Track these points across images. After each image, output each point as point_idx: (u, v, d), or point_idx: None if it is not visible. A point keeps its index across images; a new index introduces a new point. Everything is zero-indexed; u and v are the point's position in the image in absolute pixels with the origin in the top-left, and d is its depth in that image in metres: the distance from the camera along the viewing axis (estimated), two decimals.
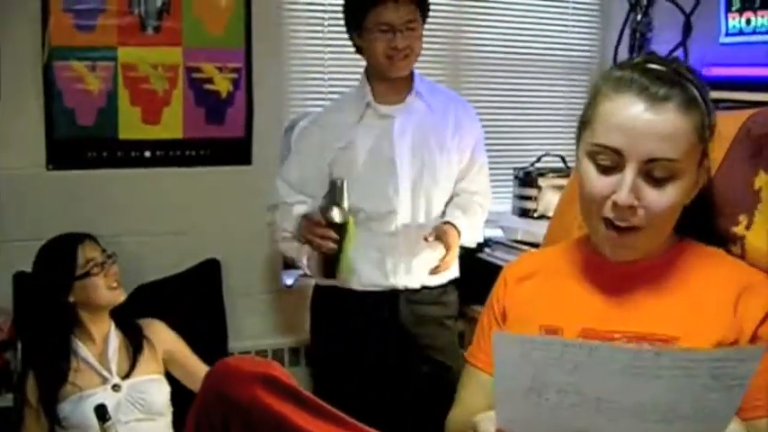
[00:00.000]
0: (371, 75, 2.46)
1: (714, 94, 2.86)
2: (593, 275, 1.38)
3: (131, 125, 2.80)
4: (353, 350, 2.49)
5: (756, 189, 1.38)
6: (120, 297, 2.34)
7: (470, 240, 2.56)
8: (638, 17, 3.12)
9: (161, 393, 2.32)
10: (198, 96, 2.87)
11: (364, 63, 2.49)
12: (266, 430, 1.35)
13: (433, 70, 3.19)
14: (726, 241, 1.40)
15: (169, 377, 2.39)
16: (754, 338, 1.23)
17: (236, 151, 2.93)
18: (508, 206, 3.30)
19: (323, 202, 2.32)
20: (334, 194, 2.26)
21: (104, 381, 2.25)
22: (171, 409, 2.34)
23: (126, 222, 2.79)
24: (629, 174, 1.22)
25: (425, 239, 2.39)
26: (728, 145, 1.45)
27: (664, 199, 1.24)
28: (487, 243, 2.99)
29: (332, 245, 2.26)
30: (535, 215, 3.13)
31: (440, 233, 2.41)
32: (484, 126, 2.66)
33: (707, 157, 1.31)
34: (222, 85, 2.89)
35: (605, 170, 1.26)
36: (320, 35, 3.08)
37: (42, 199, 2.70)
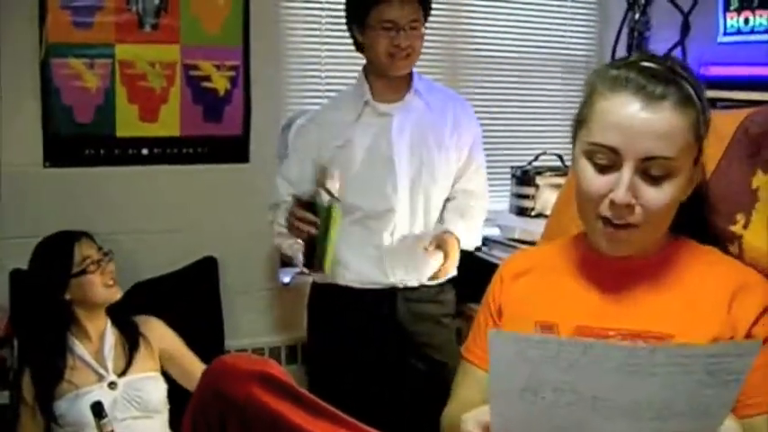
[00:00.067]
0: (370, 73, 2.46)
1: (712, 94, 2.86)
2: (590, 272, 1.39)
3: (129, 123, 2.79)
4: (350, 348, 2.49)
5: (754, 188, 1.38)
6: (117, 295, 2.34)
7: (469, 244, 2.56)
8: (637, 16, 3.12)
9: (157, 391, 2.32)
10: (195, 94, 2.86)
11: (362, 61, 2.48)
12: (263, 428, 1.35)
13: (431, 69, 3.18)
14: (723, 240, 1.40)
15: (165, 375, 2.39)
16: (747, 338, 1.23)
17: (234, 149, 2.93)
18: (505, 205, 3.30)
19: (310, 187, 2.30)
20: (320, 178, 2.24)
21: (101, 378, 2.25)
22: (168, 407, 2.34)
23: (123, 220, 2.78)
24: (627, 172, 1.22)
25: (425, 249, 2.40)
26: (726, 144, 1.45)
27: (661, 197, 1.24)
28: (485, 242, 2.99)
29: (311, 228, 2.22)
30: (532, 214, 3.13)
31: (439, 242, 2.42)
32: (482, 125, 2.66)
33: (702, 154, 1.31)
34: (220, 82, 2.89)
35: (602, 169, 1.26)
36: (317, 33, 3.08)
37: (39, 196, 2.69)
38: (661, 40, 3.07)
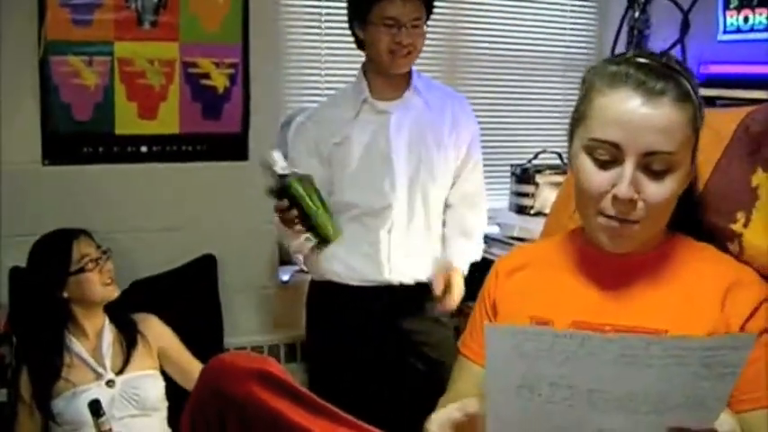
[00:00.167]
0: (369, 70, 2.46)
1: (712, 92, 2.88)
2: (587, 268, 1.39)
3: (128, 120, 2.79)
4: (348, 345, 2.49)
5: (754, 187, 1.38)
6: (114, 293, 2.34)
7: (473, 260, 2.56)
8: (636, 14, 3.12)
9: (155, 389, 2.32)
10: (194, 92, 2.86)
11: (361, 59, 2.48)
12: (262, 426, 1.35)
13: (430, 67, 3.18)
14: (723, 239, 1.40)
15: (163, 372, 2.39)
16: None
17: (233, 147, 2.92)
18: (505, 203, 3.31)
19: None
20: (266, 166, 2.14)
21: (98, 376, 2.25)
22: (166, 405, 2.34)
23: (122, 218, 2.78)
24: (629, 167, 1.23)
25: (435, 295, 2.40)
26: (726, 143, 1.45)
27: (662, 191, 1.25)
28: (484, 240, 2.98)
29: (292, 213, 2.16)
30: (532, 212, 3.14)
31: (447, 284, 2.41)
32: (481, 123, 2.66)
33: (697, 148, 1.32)
34: (219, 80, 2.89)
35: (603, 165, 1.26)
36: (317, 31, 3.08)
37: (38, 194, 2.69)
38: (661, 38, 3.08)
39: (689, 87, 1.26)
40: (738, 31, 2.96)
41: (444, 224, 2.56)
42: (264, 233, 2.88)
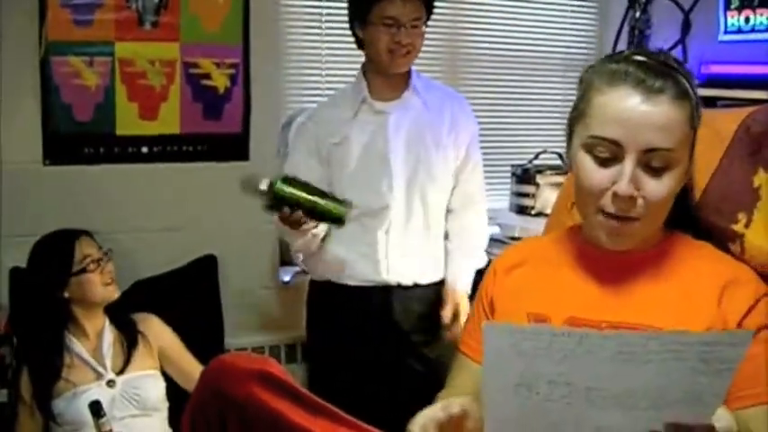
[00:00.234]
0: (369, 70, 2.46)
1: (713, 92, 2.88)
2: (584, 265, 1.39)
3: (128, 121, 2.79)
4: (346, 345, 2.49)
5: (756, 187, 1.38)
6: (115, 294, 2.34)
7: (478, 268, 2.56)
8: (637, 14, 3.11)
9: (156, 389, 2.32)
10: (195, 92, 2.86)
11: (362, 59, 2.48)
12: (262, 427, 1.35)
13: (430, 67, 3.18)
14: (725, 239, 1.40)
15: (164, 372, 2.38)
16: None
17: (234, 147, 2.93)
18: (506, 203, 3.30)
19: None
20: (247, 187, 2.14)
21: (99, 377, 2.25)
22: (166, 405, 2.34)
23: (123, 218, 2.78)
24: (629, 164, 1.24)
25: (445, 323, 2.42)
26: (727, 143, 1.45)
27: (661, 188, 1.25)
28: None
29: (297, 215, 2.15)
30: (533, 212, 3.13)
31: (455, 311, 2.43)
32: (482, 123, 2.66)
33: (695, 146, 1.32)
34: (220, 80, 2.89)
35: (603, 162, 1.27)
36: (318, 31, 3.08)
37: (39, 194, 2.69)
38: (662, 38, 3.07)
39: (687, 85, 1.27)
40: (739, 31, 2.96)
41: (447, 235, 2.56)
42: (265, 233, 2.88)
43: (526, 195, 3.17)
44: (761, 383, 1.22)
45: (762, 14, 2.87)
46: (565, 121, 1.39)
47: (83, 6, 2.68)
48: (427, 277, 2.51)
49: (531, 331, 1.06)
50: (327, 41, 3.07)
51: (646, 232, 1.31)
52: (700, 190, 1.47)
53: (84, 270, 2.27)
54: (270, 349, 3.01)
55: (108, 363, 2.28)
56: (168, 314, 2.48)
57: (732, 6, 2.98)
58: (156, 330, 2.42)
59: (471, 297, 2.42)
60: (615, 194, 1.25)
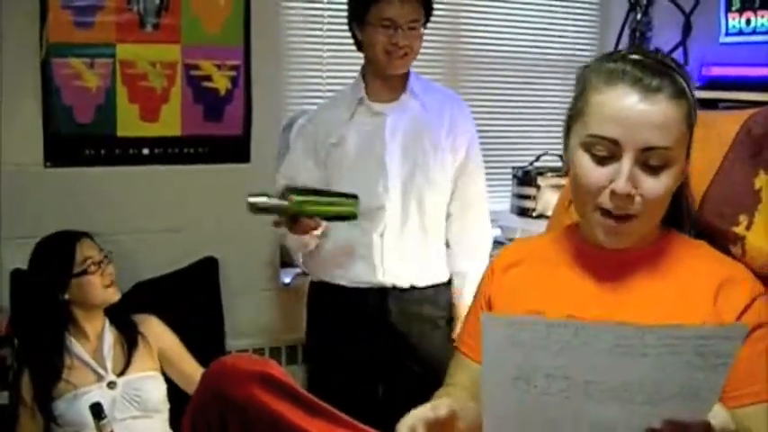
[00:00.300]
0: (367, 72, 2.46)
1: (714, 94, 2.87)
2: (582, 263, 1.40)
3: (129, 122, 2.79)
4: (344, 346, 2.49)
5: (757, 189, 1.38)
6: (115, 296, 2.34)
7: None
8: (638, 16, 3.12)
9: (157, 390, 2.32)
10: (196, 94, 2.86)
11: (363, 61, 2.48)
12: (263, 428, 1.35)
13: (431, 69, 3.19)
14: (726, 241, 1.41)
15: (165, 375, 2.38)
16: None
17: (235, 149, 2.92)
18: (507, 205, 3.30)
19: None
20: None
21: (99, 378, 2.25)
22: (167, 406, 2.34)
23: (124, 220, 2.78)
24: (627, 163, 1.24)
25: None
26: (729, 145, 1.45)
27: (659, 186, 1.26)
28: None
29: (319, 225, 2.23)
30: (534, 214, 3.13)
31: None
32: (482, 125, 2.66)
33: (691, 145, 1.33)
34: (221, 82, 2.89)
35: (601, 160, 1.27)
36: (319, 33, 3.08)
37: (40, 196, 2.69)
38: (663, 40, 3.07)
39: (684, 84, 1.28)
40: (740, 33, 2.96)
41: (448, 243, 2.55)
42: (266, 235, 2.87)
43: (527, 197, 3.17)
44: (757, 382, 1.23)
45: (763, 16, 2.88)
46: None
47: (84, 8, 2.68)
48: (424, 280, 2.50)
49: (529, 322, 1.07)
50: (329, 43, 3.07)
51: (643, 230, 1.31)
52: (701, 192, 1.47)
53: (84, 272, 2.27)
54: (270, 351, 3.01)
55: (108, 364, 2.28)
56: (169, 316, 2.48)
57: (733, 8, 2.98)
58: (157, 332, 2.42)
59: None
60: (613, 192, 1.26)
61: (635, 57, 1.29)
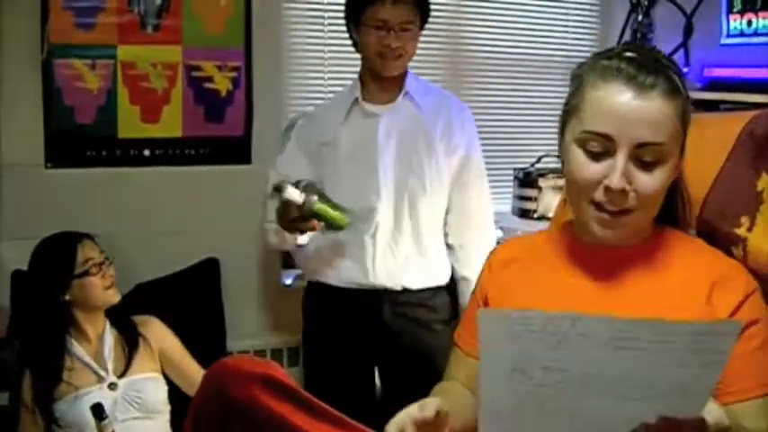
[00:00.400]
0: (364, 73, 2.46)
1: (715, 96, 2.87)
2: (577, 260, 1.41)
3: (130, 124, 2.79)
4: (340, 347, 2.49)
5: (759, 191, 1.38)
6: (116, 298, 2.34)
7: None
8: (639, 18, 3.11)
9: (158, 391, 2.31)
10: (197, 95, 2.86)
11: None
12: (265, 430, 1.35)
13: (432, 71, 3.19)
14: (728, 243, 1.41)
15: (165, 376, 2.38)
16: None
17: (236, 150, 2.93)
18: (508, 206, 3.30)
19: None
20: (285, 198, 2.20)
21: (100, 379, 2.25)
22: (168, 407, 2.33)
23: (125, 221, 2.78)
24: (621, 158, 1.26)
25: None
26: (731, 147, 1.45)
27: (652, 182, 1.27)
28: None
29: (317, 227, 2.24)
30: (535, 216, 3.13)
31: None
32: (484, 127, 2.65)
33: (685, 142, 1.34)
34: (222, 83, 2.89)
35: (595, 156, 1.29)
36: (320, 34, 3.08)
37: (40, 197, 2.69)
38: (664, 42, 3.07)
39: (678, 81, 1.29)
40: (742, 34, 2.95)
41: (451, 246, 2.56)
42: None
43: (528, 199, 3.17)
44: (751, 378, 1.24)
45: (764, 17, 2.87)
46: None
47: (85, 9, 2.68)
48: (419, 282, 2.48)
49: (525, 315, 1.07)
50: (330, 44, 3.07)
51: (638, 224, 1.32)
52: (702, 194, 1.47)
53: (85, 273, 2.27)
54: (272, 352, 3.01)
55: (109, 366, 2.27)
56: (170, 317, 2.48)
57: (734, 9, 2.97)
58: (158, 333, 2.41)
59: None
60: (607, 188, 1.27)
61: (630, 54, 1.30)
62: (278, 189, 2.18)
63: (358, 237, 2.43)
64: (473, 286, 2.42)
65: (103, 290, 2.30)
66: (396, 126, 2.43)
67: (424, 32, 2.44)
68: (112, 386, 2.25)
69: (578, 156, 1.31)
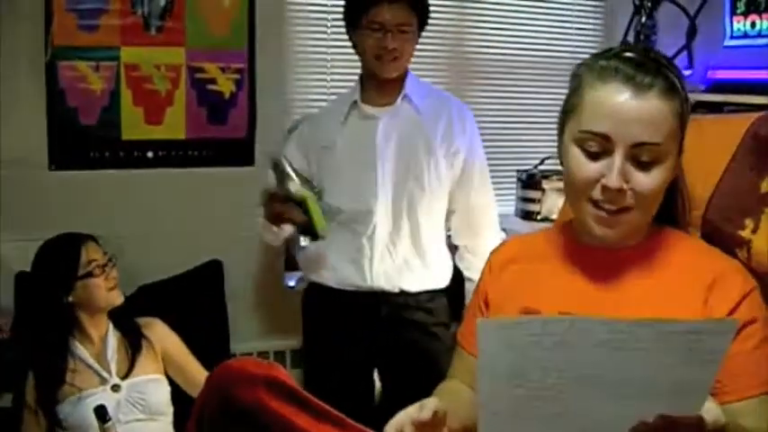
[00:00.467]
0: (364, 75, 2.46)
1: (719, 98, 2.86)
2: (575, 261, 1.41)
3: (134, 125, 2.79)
4: (338, 347, 2.49)
5: (763, 193, 1.38)
6: (119, 299, 2.34)
7: None
8: (643, 20, 3.11)
9: (161, 393, 2.31)
10: (201, 97, 2.86)
11: None
12: None
13: (436, 73, 3.18)
14: (732, 245, 1.40)
15: (168, 377, 2.38)
16: None
17: (239, 152, 2.93)
18: (511, 208, 3.30)
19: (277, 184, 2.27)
20: (281, 175, 2.23)
21: (103, 381, 2.25)
22: (171, 409, 2.33)
23: (128, 223, 2.78)
24: (618, 158, 1.26)
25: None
26: (735, 149, 1.45)
27: (649, 181, 1.27)
28: None
29: (298, 217, 2.25)
30: (538, 218, 3.13)
31: None
32: (488, 128, 2.65)
33: (684, 142, 1.34)
34: (225, 85, 2.89)
35: (593, 155, 1.29)
36: (323, 36, 3.08)
37: (44, 199, 2.69)
38: (667, 44, 3.06)
39: (676, 81, 1.29)
40: (745, 36, 2.95)
41: (456, 248, 2.56)
42: None
43: (532, 200, 3.17)
44: (748, 377, 1.24)
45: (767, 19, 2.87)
46: None
47: (88, 11, 2.68)
48: (417, 285, 2.48)
49: (523, 322, 1.07)
50: (333, 46, 3.07)
51: (636, 222, 1.32)
52: (706, 196, 1.47)
53: (89, 275, 2.27)
54: (275, 354, 3.01)
55: (113, 367, 2.27)
56: (173, 318, 2.48)
57: (738, 11, 2.97)
58: (161, 335, 2.41)
59: None
60: (605, 187, 1.27)
61: (628, 54, 1.31)
62: (276, 166, 2.20)
63: (356, 238, 2.43)
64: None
65: (106, 291, 2.30)
66: (395, 128, 2.43)
67: (427, 35, 2.44)
68: (115, 388, 2.25)
69: (576, 155, 1.31)
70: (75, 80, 2.70)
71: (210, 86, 2.87)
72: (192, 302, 2.76)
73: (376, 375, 2.63)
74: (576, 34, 3.55)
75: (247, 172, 2.92)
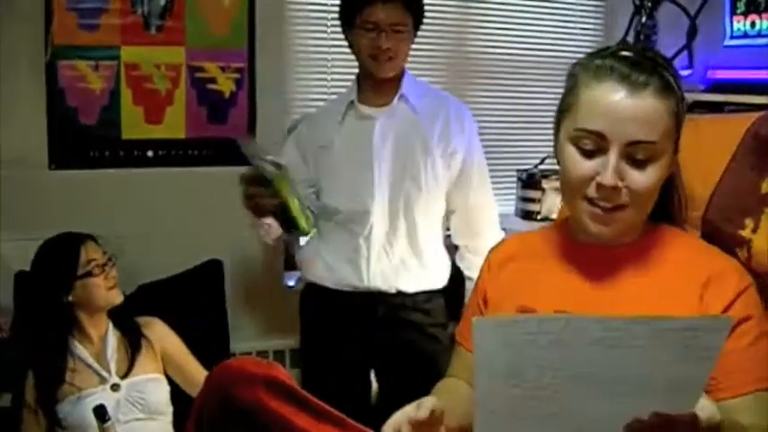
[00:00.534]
0: (361, 75, 2.46)
1: (719, 97, 2.86)
2: (571, 259, 1.42)
3: (134, 125, 2.80)
4: (335, 347, 2.49)
5: (763, 193, 1.38)
6: (118, 298, 2.34)
7: None
8: (643, 20, 3.11)
9: (161, 392, 2.31)
10: (201, 96, 2.87)
11: None
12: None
13: (436, 73, 3.18)
14: (732, 245, 1.40)
15: (168, 376, 2.38)
16: None
17: (239, 151, 2.92)
18: (511, 208, 3.30)
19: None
20: (251, 152, 2.22)
21: (103, 381, 2.25)
22: (171, 409, 2.33)
23: (128, 222, 2.78)
24: (613, 156, 1.27)
25: None
26: (735, 149, 1.45)
27: (644, 179, 1.28)
28: None
29: (270, 201, 2.22)
30: (538, 217, 3.13)
31: None
32: (487, 128, 2.64)
33: (679, 138, 1.34)
34: (225, 84, 2.89)
35: (588, 154, 1.30)
36: (324, 35, 3.08)
37: (44, 198, 2.69)
38: (667, 44, 3.06)
39: (671, 80, 1.30)
40: (745, 36, 2.96)
41: (461, 252, 2.57)
42: None
43: (532, 200, 3.16)
44: (743, 374, 1.24)
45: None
46: None
47: (89, 11, 2.69)
48: (414, 286, 2.47)
49: (519, 321, 1.08)
50: (333, 46, 3.06)
51: (632, 220, 1.33)
52: (706, 195, 1.47)
53: (88, 274, 2.27)
54: (274, 354, 3.01)
55: (112, 367, 2.27)
56: (173, 318, 2.48)
57: (738, 11, 2.97)
58: (160, 334, 2.41)
59: None
60: (600, 185, 1.28)
61: (623, 53, 1.32)
62: (249, 148, 2.21)
63: (352, 239, 2.43)
64: None
65: (106, 291, 2.30)
66: (391, 128, 2.42)
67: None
68: (115, 387, 2.25)
69: (572, 153, 1.32)
70: (75, 80, 2.71)
71: (210, 86, 2.87)
72: (192, 302, 2.76)
73: (373, 376, 2.62)
74: (576, 34, 3.55)
75: None
